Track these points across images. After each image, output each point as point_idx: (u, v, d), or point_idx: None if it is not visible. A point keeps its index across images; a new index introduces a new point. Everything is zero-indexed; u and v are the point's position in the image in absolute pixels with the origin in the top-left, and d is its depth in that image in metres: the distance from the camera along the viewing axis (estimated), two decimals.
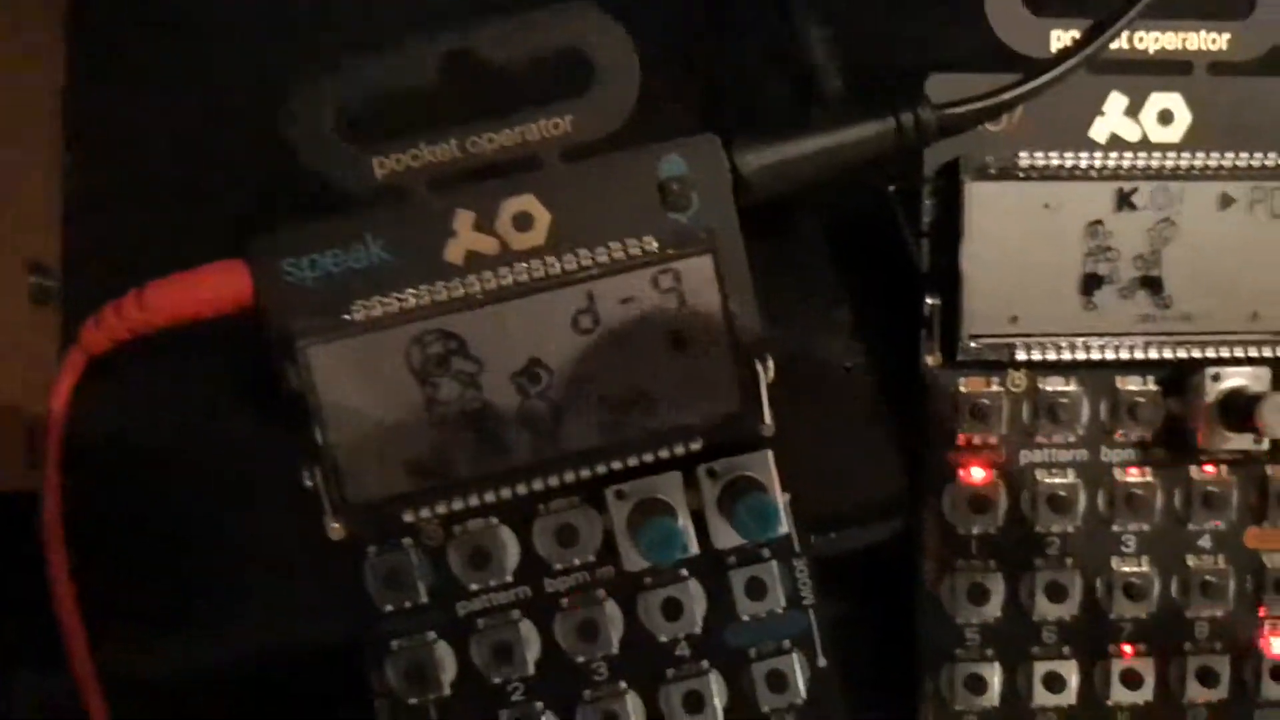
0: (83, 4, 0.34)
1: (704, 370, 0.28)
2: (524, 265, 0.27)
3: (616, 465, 0.28)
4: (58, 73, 0.34)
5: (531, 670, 0.29)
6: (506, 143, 0.27)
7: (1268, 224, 0.30)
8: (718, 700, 0.29)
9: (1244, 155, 0.30)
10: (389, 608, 0.28)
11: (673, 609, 0.28)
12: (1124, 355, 0.30)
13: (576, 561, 0.28)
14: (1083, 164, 0.30)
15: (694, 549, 0.28)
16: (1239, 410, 0.29)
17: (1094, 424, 0.31)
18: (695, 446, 0.28)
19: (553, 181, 0.28)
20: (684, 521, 0.28)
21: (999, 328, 0.30)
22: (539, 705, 0.29)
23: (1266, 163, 0.30)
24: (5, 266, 0.32)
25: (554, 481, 0.28)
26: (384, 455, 0.27)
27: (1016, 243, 0.30)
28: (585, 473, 0.28)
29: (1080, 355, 0.30)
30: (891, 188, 0.31)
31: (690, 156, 0.28)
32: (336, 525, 0.28)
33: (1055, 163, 0.30)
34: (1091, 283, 0.30)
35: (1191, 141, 0.30)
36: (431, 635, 0.28)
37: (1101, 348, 0.30)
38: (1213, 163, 0.30)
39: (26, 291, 0.32)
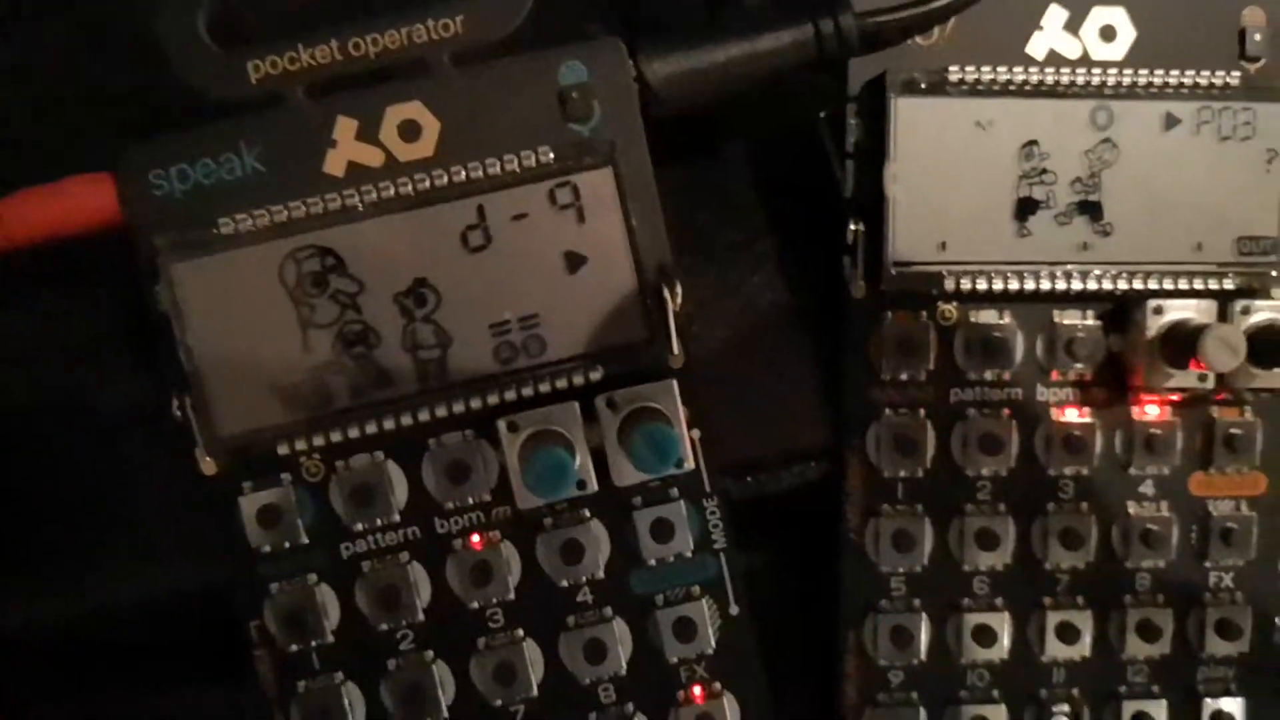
0: None
1: (604, 294, 0.26)
2: (409, 177, 0.25)
3: (510, 395, 0.26)
4: None
5: (421, 617, 0.27)
6: (391, 45, 0.25)
7: (1214, 147, 0.28)
8: (622, 649, 0.27)
9: (1190, 73, 0.28)
10: (266, 548, 0.26)
11: (573, 552, 0.26)
12: (1060, 286, 0.28)
13: (470, 500, 0.27)
14: (1018, 80, 0.28)
15: (593, 485, 0.26)
16: (1182, 344, 0.27)
17: (1029, 360, 0.29)
18: (595, 376, 0.26)
19: (442, 88, 0.26)
20: (581, 456, 0.26)
21: (927, 255, 0.28)
22: (430, 654, 0.27)
23: (1214, 81, 0.28)
24: None
25: (442, 412, 0.26)
26: (257, 383, 0.25)
27: (946, 164, 0.28)
28: (476, 403, 0.26)
29: (1014, 286, 0.28)
30: (822, 114, 0.29)
31: (592, 63, 0.26)
32: (208, 459, 0.26)
33: (989, 78, 0.28)
34: (1026, 208, 0.28)
35: (1135, 59, 0.28)
36: (313, 578, 0.26)
37: (1037, 277, 0.28)
38: (1157, 81, 0.28)
39: None
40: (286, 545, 0.26)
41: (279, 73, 0.25)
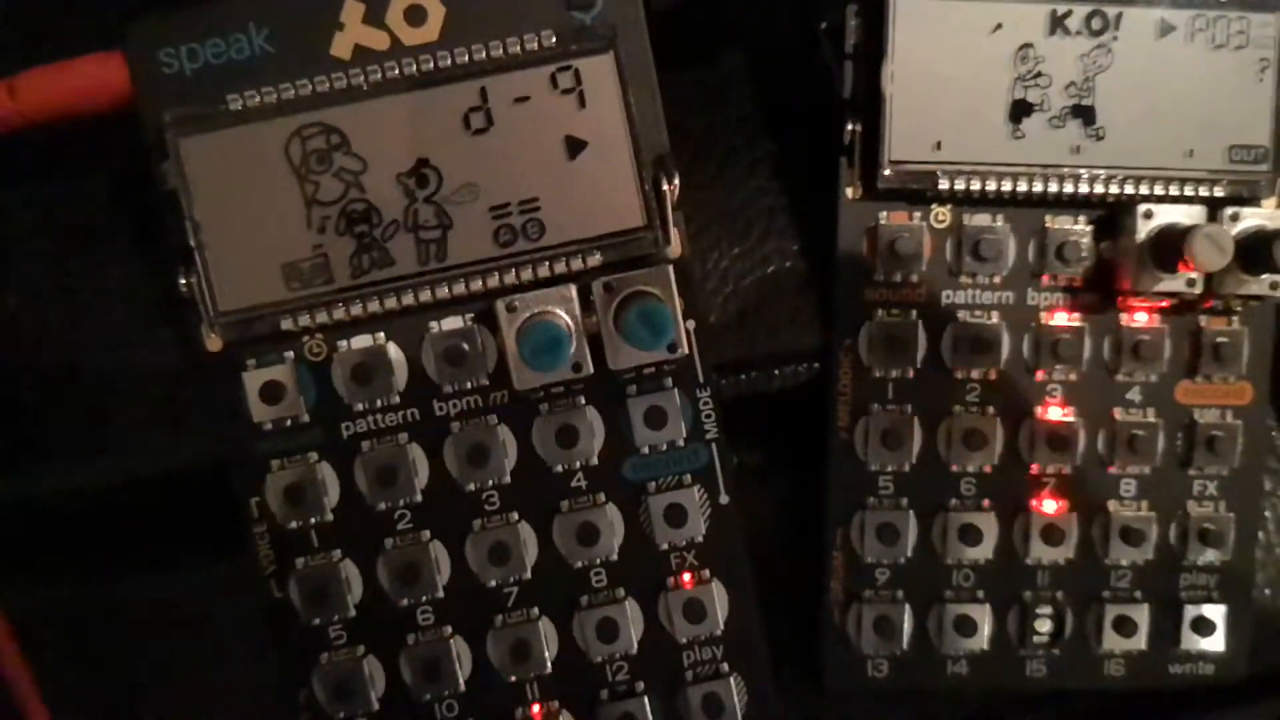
0: None
1: (603, 181, 0.26)
2: (413, 59, 0.26)
3: (509, 279, 0.26)
4: None
5: (419, 497, 0.27)
6: None
7: (1208, 55, 0.28)
8: (613, 534, 0.27)
9: None
10: (268, 425, 0.27)
11: (568, 437, 0.27)
12: (1053, 189, 0.28)
13: (468, 384, 0.27)
14: None
15: (588, 368, 0.26)
16: (1171, 247, 0.28)
17: (1021, 264, 0.29)
18: (593, 261, 0.26)
19: None
20: (577, 338, 0.26)
21: (922, 154, 0.28)
22: (426, 534, 0.27)
23: None
24: None
25: (442, 294, 0.26)
26: (261, 259, 0.26)
27: (943, 66, 0.28)
28: (476, 285, 0.26)
29: (1006, 188, 0.28)
30: (823, 24, 0.30)
31: None
32: (213, 335, 0.26)
33: None
34: (1021, 110, 0.28)
35: None
36: (313, 456, 0.27)
37: (1030, 180, 0.28)
38: None
39: None
40: (288, 423, 0.27)
41: None
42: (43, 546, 0.30)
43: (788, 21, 0.31)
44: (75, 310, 0.29)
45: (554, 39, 0.26)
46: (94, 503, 0.30)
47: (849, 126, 0.28)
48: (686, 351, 0.26)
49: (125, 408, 0.29)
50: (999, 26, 0.28)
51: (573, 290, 0.26)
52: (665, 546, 0.28)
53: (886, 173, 0.28)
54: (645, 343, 0.25)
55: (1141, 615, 0.30)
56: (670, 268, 0.26)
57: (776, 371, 0.30)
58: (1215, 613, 0.30)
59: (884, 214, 0.29)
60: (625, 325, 0.25)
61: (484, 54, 0.26)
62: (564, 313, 0.26)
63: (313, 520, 0.27)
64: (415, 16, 0.26)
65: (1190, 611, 0.30)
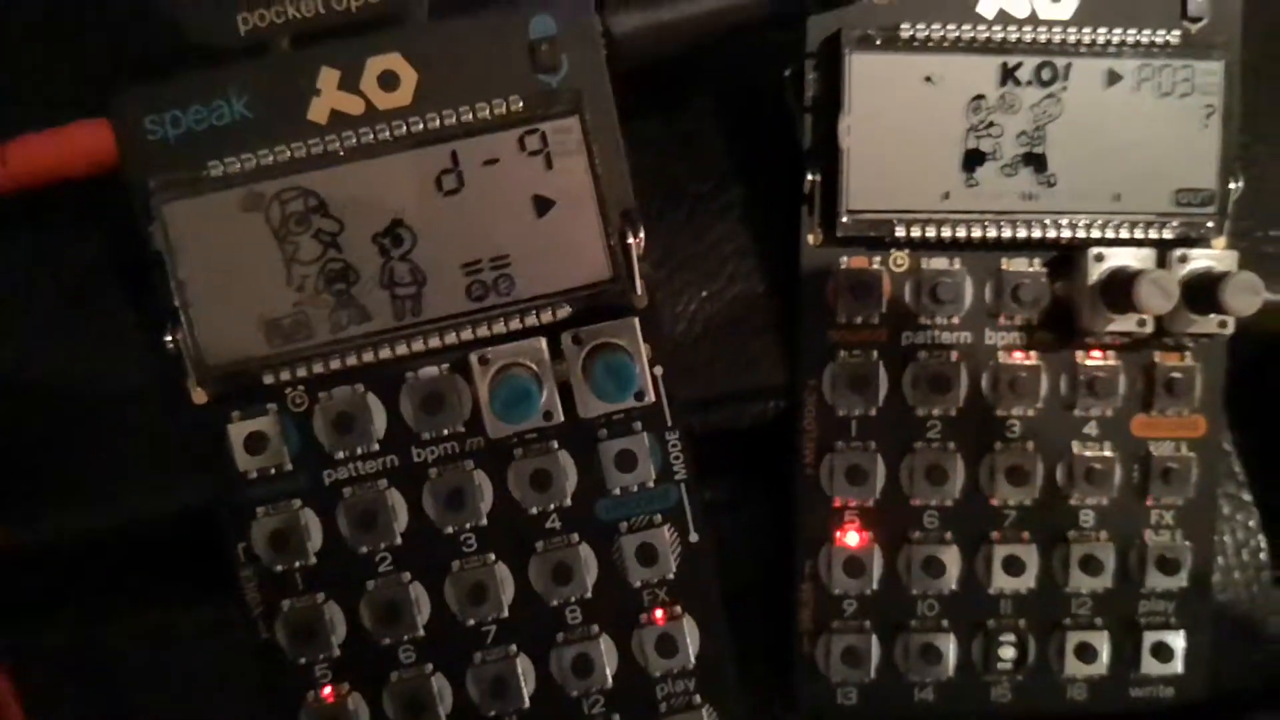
0: None
1: (571, 236, 0.27)
2: (388, 124, 0.27)
3: (482, 331, 0.27)
4: None
5: (399, 540, 0.28)
6: None
7: (1155, 102, 0.30)
8: (588, 573, 0.29)
9: (1133, 32, 0.30)
10: (253, 474, 0.28)
11: (542, 480, 0.28)
12: (1007, 234, 0.30)
13: (445, 431, 0.28)
14: (967, 36, 0.29)
15: (559, 416, 0.27)
16: (1121, 290, 0.29)
17: (978, 305, 0.30)
18: (562, 314, 0.27)
19: (420, 39, 0.27)
20: (548, 388, 0.27)
21: (879, 203, 0.29)
22: (406, 575, 0.28)
23: (1155, 39, 0.30)
24: None
25: (418, 347, 0.27)
26: (244, 317, 0.27)
27: (898, 117, 0.29)
28: (450, 339, 0.27)
29: (962, 234, 0.29)
30: (787, 72, 0.31)
31: (561, 17, 0.27)
32: (199, 389, 0.27)
33: (939, 34, 0.29)
34: (974, 159, 0.29)
35: (1081, 17, 0.30)
36: (297, 503, 0.28)
37: (984, 226, 0.29)
38: (1101, 39, 0.29)
39: None
40: (272, 471, 0.28)
41: (266, 24, 0.27)
42: (37, 590, 0.31)
43: (756, 70, 0.32)
44: (67, 361, 0.30)
45: (521, 104, 0.27)
46: (86, 547, 0.31)
47: (809, 177, 0.30)
48: (653, 399, 0.28)
49: (117, 455, 0.30)
50: (951, 79, 0.29)
51: (543, 342, 0.27)
52: (638, 584, 0.29)
53: (845, 220, 0.29)
54: (611, 396, 0.27)
55: (1102, 641, 0.31)
56: (636, 319, 0.27)
57: (744, 409, 0.31)
58: (1174, 638, 0.31)
59: (844, 259, 0.30)
60: (592, 378, 0.27)
61: (455, 119, 0.27)
62: (534, 364, 0.27)
63: (297, 564, 0.28)
64: (389, 82, 0.27)
65: (1149, 637, 0.31)
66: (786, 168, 0.31)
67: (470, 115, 0.27)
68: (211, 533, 0.28)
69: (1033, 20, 0.30)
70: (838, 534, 0.31)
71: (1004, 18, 0.30)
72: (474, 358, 0.27)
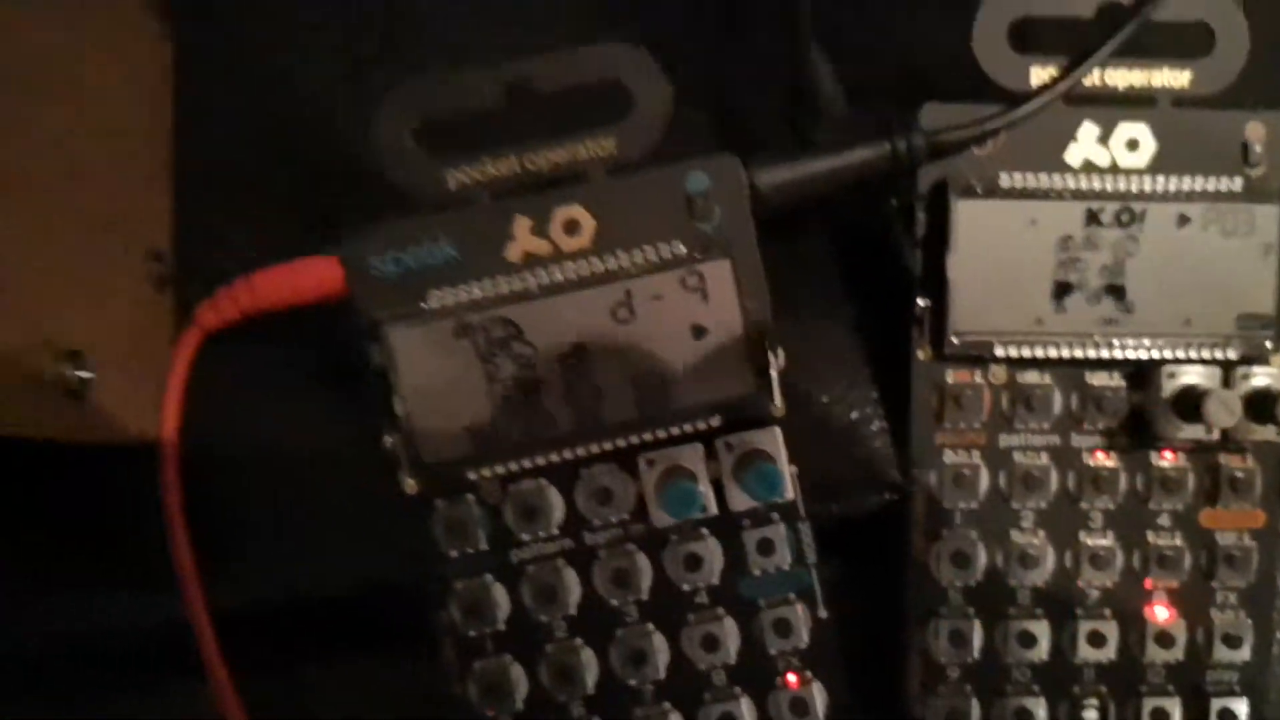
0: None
1: (723, 357, 0.33)
2: (572, 265, 0.32)
3: (647, 436, 0.33)
4: (167, 75, 0.39)
5: (573, 611, 0.33)
6: (559, 159, 0.33)
7: (1220, 241, 0.34)
8: (731, 643, 0.34)
9: (1200, 180, 0.34)
10: (453, 553, 0.33)
11: (694, 562, 0.33)
12: (1090, 354, 0.34)
13: (612, 519, 0.33)
14: (1057, 185, 0.34)
15: (713, 510, 0.33)
16: (1191, 405, 0.34)
17: (1065, 414, 0.35)
18: (715, 423, 0.33)
19: (598, 193, 0.32)
20: (704, 486, 0.32)
21: (981, 326, 0.34)
22: (578, 641, 0.34)
23: (1220, 187, 0.34)
24: (131, 256, 0.37)
25: (594, 449, 0.33)
26: (452, 422, 0.32)
27: (998, 253, 0.34)
28: (621, 442, 0.33)
29: (1053, 353, 0.34)
30: (893, 202, 0.36)
31: (714, 173, 0.33)
32: (411, 481, 0.33)
33: (1033, 184, 0.34)
34: (1063, 290, 0.34)
35: (1155, 167, 0.35)
36: (489, 578, 0.33)
37: (1070, 346, 0.34)
38: (1173, 187, 0.34)
39: (147, 277, 0.37)
40: (468, 551, 0.33)
41: (470, 180, 0.32)
42: (258, 644, 0.37)
43: (868, 199, 0.37)
44: (297, 443, 0.36)
45: (683, 248, 0.32)
46: (301, 607, 0.36)
47: (920, 302, 0.35)
48: (791, 497, 0.33)
49: (325, 526, 0.36)
50: (1044, 222, 0.34)
51: (700, 448, 0.32)
52: (774, 652, 0.34)
53: (952, 340, 0.34)
54: (759, 496, 0.32)
55: (1174, 707, 0.35)
56: (778, 429, 0.32)
57: (863, 500, 0.36)
58: (1238, 704, 0.36)
59: (950, 373, 0.35)
60: (744, 482, 0.32)
61: (628, 261, 0.32)
62: (692, 466, 0.32)
63: (487, 630, 0.33)
64: (572, 228, 0.33)
65: (1216, 704, 0.36)
66: (894, 288, 0.36)
67: (640, 258, 0.32)
68: (407, 599, 0.34)
69: (1113, 169, 0.35)
70: (943, 610, 0.35)
71: (1089, 166, 0.35)
72: (642, 460, 0.32)
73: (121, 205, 0.37)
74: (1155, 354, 0.34)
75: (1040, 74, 0.34)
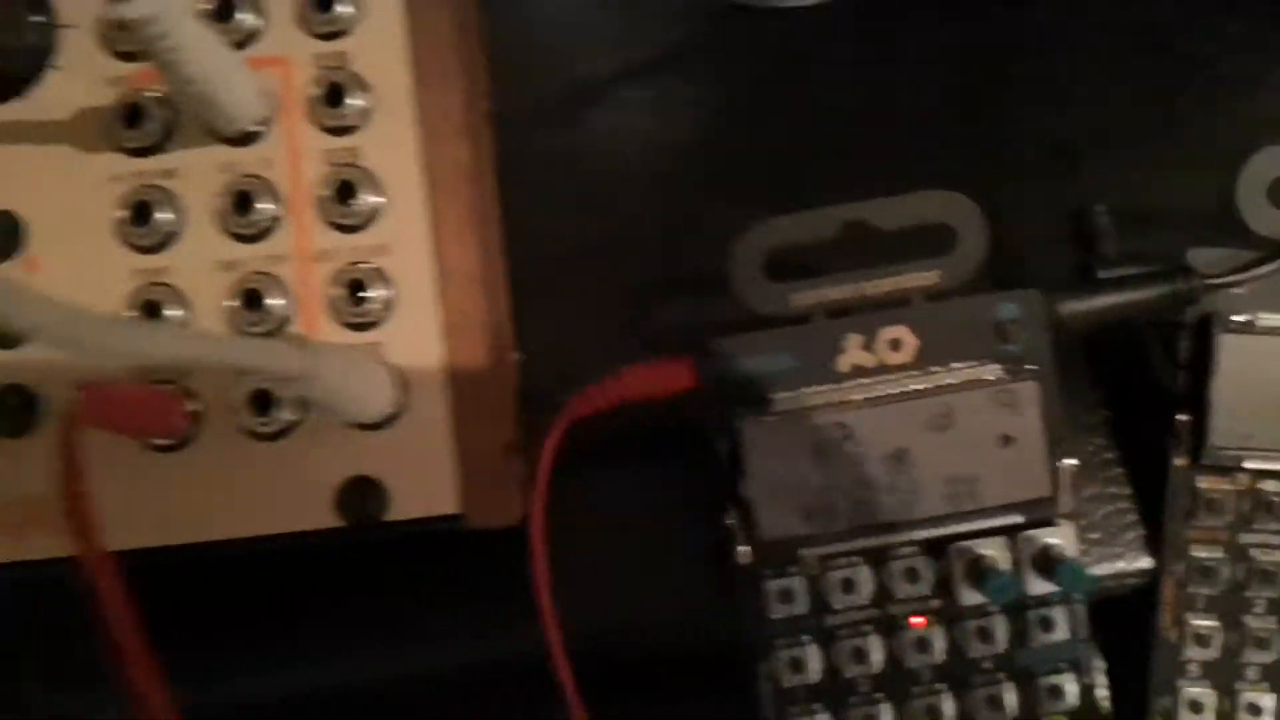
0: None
1: (1023, 464, 0.38)
2: (895, 377, 0.38)
3: (955, 529, 0.38)
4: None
5: (876, 670, 0.39)
6: (888, 287, 0.38)
7: None
8: (1013, 706, 0.39)
9: None
10: (778, 617, 0.39)
11: (984, 635, 0.39)
12: None
13: (915, 595, 0.39)
14: None
15: (1024, 594, 0.38)
16: None
17: None
18: (1015, 520, 0.38)
19: (920, 316, 0.38)
20: (1015, 575, 0.38)
21: (1234, 441, 0.40)
22: (879, 695, 0.39)
23: None
24: (504, 353, 0.42)
25: (906, 537, 0.38)
26: (788, 506, 0.38)
27: (1254, 380, 0.40)
28: (931, 532, 0.38)
29: None
30: (1154, 330, 0.41)
31: (1021, 304, 0.38)
32: (746, 551, 0.38)
33: None
34: None
35: None
36: (806, 638, 0.39)
37: None
38: None
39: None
40: (791, 615, 0.39)
41: (810, 302, 0.38)
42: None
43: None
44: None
45: (998, 369, 0.38)
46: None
47: (1180, 418, 0.40)
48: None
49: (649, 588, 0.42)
50: None
51: (1004, 540, 0.38)
52: (1048, 715, 0.39)
53: (1209, 452, 0.40)
54: (1066, 587, 0.37)
55: None
56: (1072, 526, 0.38)
57: (1121, 584, 0.42)
58: None
59: (1203, 480, 0.41)
60: (1057, 574, 0.37)
61: (948, 379, 0.38)
62: (997, 556, 0.38)
63: (801, 682, 0.39)
64: (896, 345, 0.38)
65: None
66: (1149, 398, 0.41)
67: (958, 376, 0.38)
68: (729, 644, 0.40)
69: None
70: (1182, 682, 0.41)
71: None
72: (953, 549, 0.38)
73: None
74: None
75: None
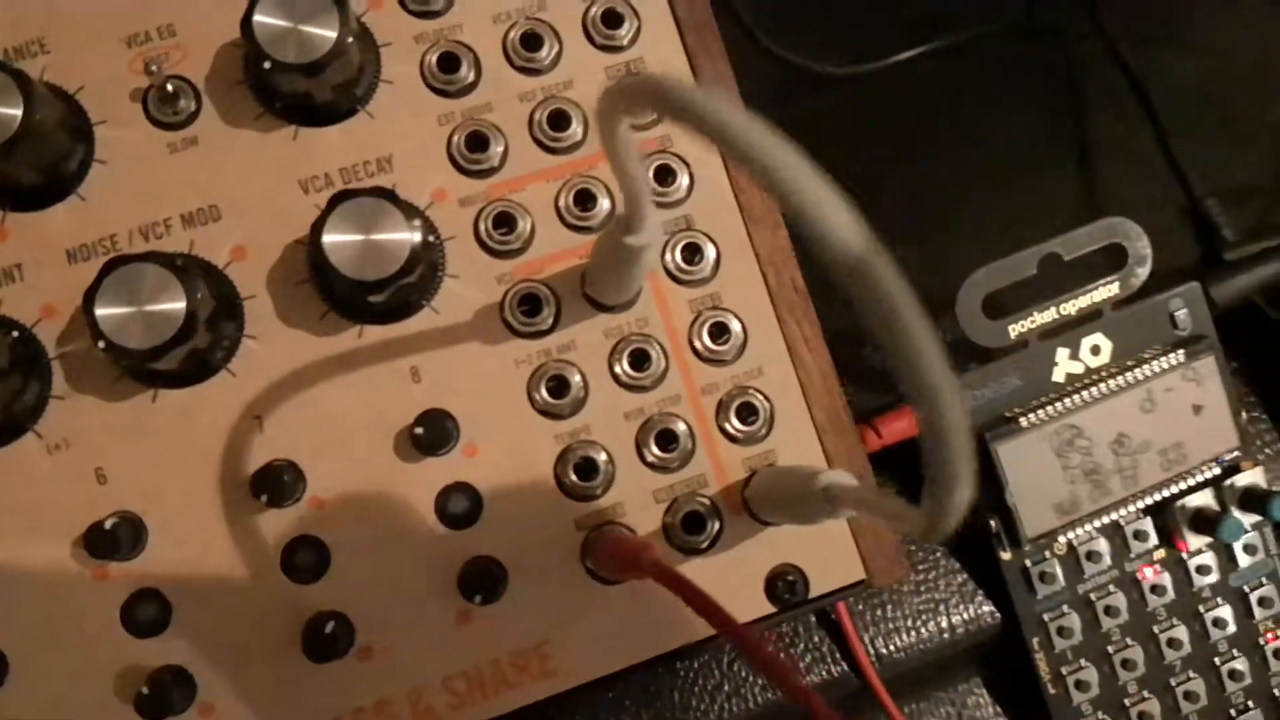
0: None
1: (1215, 426, 0.46)
2: (1098, 377, 0.45)
3: (1171, 490, 0.46)
4: None
5: (1124, 620, 0.47)
6: (1082, 304, 0.45)
7: None
8: (1230, 619, 0.48)
9: None
10: (1041, 595, 0.46)
11: (1203, 570, 0.47)
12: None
13: (1144, 550, 0.47)
14: None
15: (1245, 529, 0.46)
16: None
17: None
18: (1214, 473, 0.46)
19: (1110, 323, 0.46)
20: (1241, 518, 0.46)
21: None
22: (1130, 640, 0.47)
23: None
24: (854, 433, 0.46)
25: (1130, 507, 0.46)
26: (1042, 504, 0.45)
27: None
28: (1154, 499, 0.46)
29: None
30: None
31: (1186, 297, 0.46)
32: (1011, 551, 0.45)
33: None
34: None
35: None
36: (1065, 608, 0.46)
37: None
38: None
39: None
40: (1051, 591, 0.46)
41: (1025, 330, 0.45)
42: None
43: None
44: None
45: (1181, 354, 0.46)
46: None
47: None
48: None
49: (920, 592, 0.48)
50: None
51: (1209, 491, 0.46)
52: (1258, 619, 0.48)
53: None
54: (1274, 517, 0.46)
55: None
56: (1261, 468, 0.46)
57: None
58: None
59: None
60: (1268, 508, 0.46)
61: (1140, 370, 0.45)
62: (1211, 503, 0.46)
63: (1069, 645, 0.46)
64: (1096, 351, 0.46)
65: None
66: None
67: (1149, 369, 0.45)
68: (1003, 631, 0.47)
69: None
70: None
71: None
72: (1175, 507, 0.46)
73: None
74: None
75: None
